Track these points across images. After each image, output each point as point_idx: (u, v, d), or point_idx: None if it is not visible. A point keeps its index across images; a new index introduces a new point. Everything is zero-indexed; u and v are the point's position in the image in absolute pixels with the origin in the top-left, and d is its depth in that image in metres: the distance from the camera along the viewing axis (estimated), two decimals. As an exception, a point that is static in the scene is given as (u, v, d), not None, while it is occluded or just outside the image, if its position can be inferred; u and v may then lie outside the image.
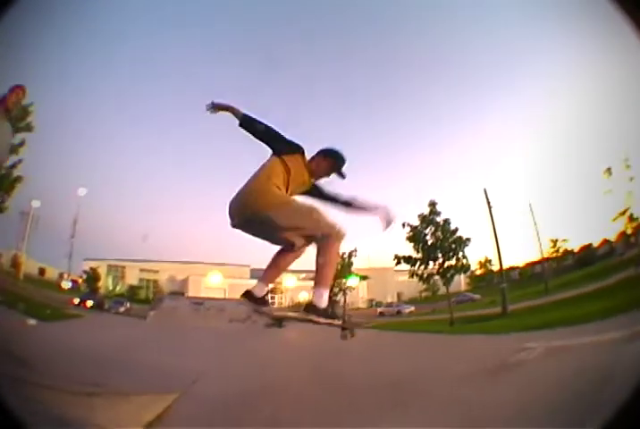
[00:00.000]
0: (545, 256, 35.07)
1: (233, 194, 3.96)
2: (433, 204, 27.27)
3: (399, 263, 26.93)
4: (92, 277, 59.07)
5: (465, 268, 26.59)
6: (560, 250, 35.97)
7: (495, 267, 33.35)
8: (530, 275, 37.62)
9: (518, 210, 32.47)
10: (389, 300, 48.31)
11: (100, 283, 59.95)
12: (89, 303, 35.27)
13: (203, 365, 8.25)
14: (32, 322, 13.61)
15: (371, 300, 50.47)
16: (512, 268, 32.28)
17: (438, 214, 26.94)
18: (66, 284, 55.27)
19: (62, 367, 6.63)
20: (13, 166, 25.60)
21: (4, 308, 14.72)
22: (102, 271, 62.78)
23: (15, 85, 5.38)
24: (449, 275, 26.02)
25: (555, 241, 36.20)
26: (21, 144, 25.65)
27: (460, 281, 39.06)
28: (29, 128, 26.26)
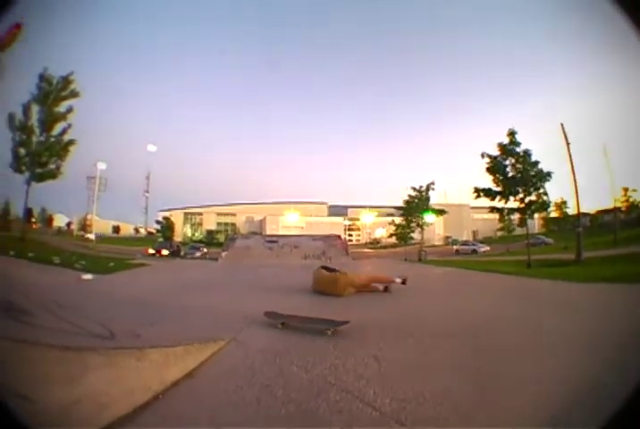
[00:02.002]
0: (617, 205, 33.63)
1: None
2: (512, 133, 25.27)
3: (478, 196, 25.07)
4: (167, 226, 60.69)
5: (546, 205, 24.84)
6: (630, 200, 34.44)
7: (570, 210, 32.89)
8: (600, 224, 36.13)
9: (594, 151, 30.91)
10: (464, 238, 47.00)
11: (175, 231, 61.78)
12: (165, 252, 36.04)
13: (268, 307, 7.46)
14: (88, 276, 13.64)
15: (447, 237, 49.65)
16: (584, 214, 30.70)
17: (518, 144, 25.03)
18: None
19: (103, 314, 6.56)
20: (63, 132, 26.23)
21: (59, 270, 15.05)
22: (178, 219, 64.71)
23: (13, 24, 5.16)
24: (529, 212, 24.60)
25: (626, 190, 34.73)
26: (69, 110, 26.32)
27: (534, 223, 37.55)
28: (73, 94, 26.64)
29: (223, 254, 27.77)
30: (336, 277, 10.73)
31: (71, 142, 26.42)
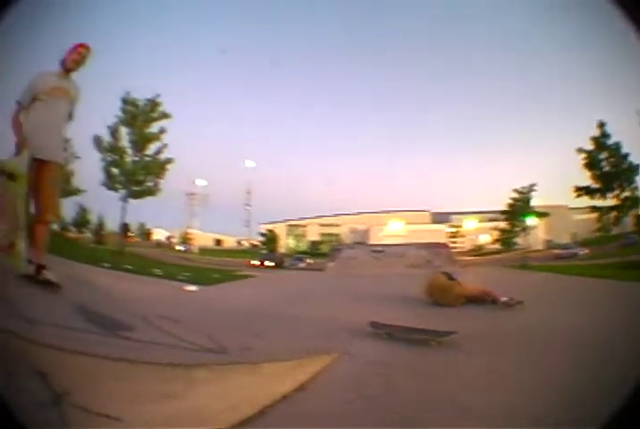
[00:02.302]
0: None
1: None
2: (601, 125, 23.84)
3: (579, 195, 23.94)
4: (270, 238, 61.24)
5: (639, 201, 23.66)
6: None
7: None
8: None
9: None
10: (564, 241, 44.26)
11: (279, 243, 62.17)
12: (268, 263, 35.63)
13: (374, 317, 6.88)
14: (192, 288, 12.79)
15: (548, 241, 46.62)
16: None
17: (608, 136, 23.67)
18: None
19: (211, 327, 6.04)
20: (158, 152, 26.87)
21: (165, 281, 14.36)
22: (281, 231, 65.22)
23: (76, 44, 5.01)
24: (625, 209, 23.77)
25: None
26: (162, 131, 26.92)
27: (628, 222, 35.01)
28: (164, 116, 27.13)
29: (329, 264, 27.73)
30: (451, 286, 10.22)
31: (168, 161, 27.11)
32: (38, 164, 4.56)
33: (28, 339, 2.89)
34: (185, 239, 75.23)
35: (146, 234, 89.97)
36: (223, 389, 3.49)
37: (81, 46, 4.95)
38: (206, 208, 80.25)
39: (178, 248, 60.25)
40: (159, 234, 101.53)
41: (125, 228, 32.97)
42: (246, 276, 19.18)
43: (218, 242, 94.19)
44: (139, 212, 28.35)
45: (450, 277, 10.54)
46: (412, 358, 5.35)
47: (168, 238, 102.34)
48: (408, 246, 30.83)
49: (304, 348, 5.20)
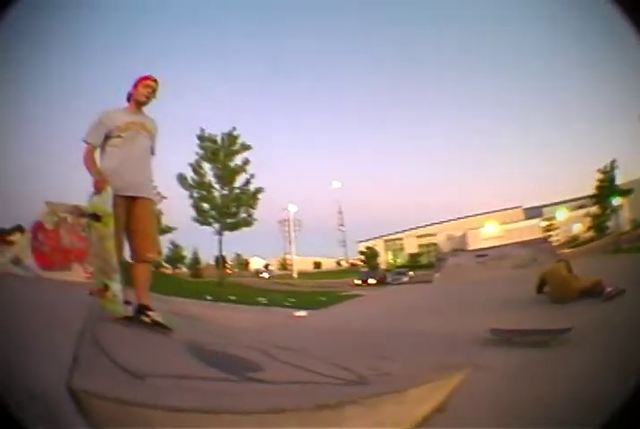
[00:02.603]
0: None
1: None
2: None
3: None
4: (370, 255, 61.27)
5: None
6: None
7: None
8: None
9: None
10: None
11: (379, 259, 62.05)
12: (371, 280, 35.39)
13: (492, 323, 6.54)
14: (302, 313, 12.43)
15: (633, 220, 43.61)
16: None
17: None
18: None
19: (334, 354, 5.38)
20: (247, 183, 27.57)
21: (272, 309, 14.11)
22: (379, 247, 65.19)
23: (142, 76, 4.75)
24: None
25: None
26: (246, 162, 27.75)
27: None
28: (245, 148, 27.96)
29: (436, 275, 27.11)
30: (570, 279, 9.45)
31: (258, 190, 27.68)
32: (130, 202, 4.34)
33: (144, 403, 2.19)
34: (283, 266, 76.72)
35: (243, 264, 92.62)
36: (374, 423, 2.89)
37: (148, 78, 4.70)
38: (301, 233, 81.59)
39: (261, 275, 61.17)
40: (256, 263, 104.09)
41: (222, 260, 33.47)
42: (353, 296, 18.62)
43: (317, 265, 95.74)
44: (233, 243, 28.84)
45: (569, 269, 9.85)
46: (539, 361, 4.91)
47: (265, 266, 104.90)
48: (510, 246, 30.14)
49: (434, 365, 4.68)
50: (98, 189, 4.05)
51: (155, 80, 4.66)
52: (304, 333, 8.33)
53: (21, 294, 6.03)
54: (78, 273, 15.10)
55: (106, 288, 3.88)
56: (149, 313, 4.06)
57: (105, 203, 4.01)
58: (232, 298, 16.58)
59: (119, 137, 4.39)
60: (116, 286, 3.87)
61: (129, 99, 4.68)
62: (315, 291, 23.66)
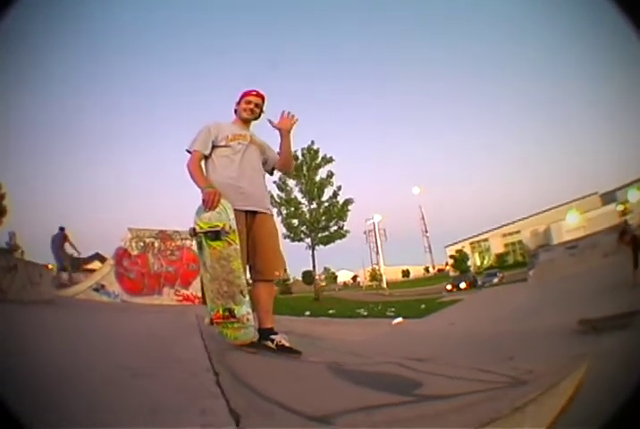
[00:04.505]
0: None
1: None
2: None
3: None
4: (460, 259, 60.52)
5: None
6: None
7: None
8: None
9: None
10: None
11: (469, 262, 61.20)
12: (462, 285, 35.14)
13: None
14: (398, 320, 12.23)
15: None
16: None
17: None
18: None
19: (464, 357, 5.33)
20: (335, 195, 27.79)
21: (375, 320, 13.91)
22: (465, 250, 64.37)
23: (245, 91, 4.55)
24: None
25: None
26: (330, 175, 28.04)
27: None
28: (327, 160, 28.41)
29: (530, 272, 25.87)
30: None
31: (347, 202, 27.85)
32: (250, 217, 4.05)
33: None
34: (373, 277, 76.69)
35: (332, 278, 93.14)
36: (540, 421, 2.54)
37: (249, 94, 4.46)
38: (387, 242, 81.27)
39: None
40: (344, 276, 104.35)
41: (312, 275, 33.68)
42: (452, 301, 18.28)
43: (405, 273, 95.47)
44: (318, 257, 28.69)
45: None
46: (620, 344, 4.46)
47: (354, 278, 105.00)
48: (598, 234, 26.77)
49: (562, 358, 4.28)
50: (213, 202, 3.65)
51: (258, 95, 4.44)
52: (422, 342, 8.07)
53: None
54: (170, 297, 15.51)
55: (231, 313, 3.59)
56: (273, 337, 3.79)
57: (225, 218, 3.64)
58: (332, 311, 16.65)
59: (228, 147, 4.15)
60: (245, 310, 3.59)
61: (235, 112, 4.52)
62: (413, 300, 23.50)
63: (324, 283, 72.84)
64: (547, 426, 2.38)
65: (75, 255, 15.65)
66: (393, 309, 16.49)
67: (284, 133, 4.28)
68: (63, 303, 9.28)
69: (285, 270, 4.39)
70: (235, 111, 4.48)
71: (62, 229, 14.87)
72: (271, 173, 4.61)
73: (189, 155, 4.08)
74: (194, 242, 4.14)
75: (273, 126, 4.27)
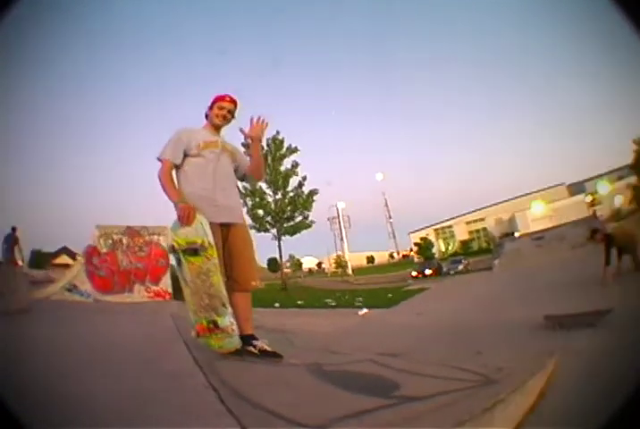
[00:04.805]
0: None
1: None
2: None
3: None
4: (425, 246, 61.35)
5: None
6: None
7: None
8: None
9: None
10: None
11: (434, 250, 61.96)
12: (428, 271, 35.57)
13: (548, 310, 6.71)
14: (364, 311, 12.54)
15: None
16: None
17: None
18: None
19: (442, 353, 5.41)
20: (300, 185, 27.99)
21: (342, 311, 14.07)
22: (430, 237, 65.18)
23: (217, 97, 4.46)
24: None
25: None
26: (295, 165, 28.20)
27: None
28: (292, 151, 28.43)
29: (495, 261, 27.14)
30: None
31: (312, 193, 28.09)
32: (225, 229, 4.04)
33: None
34: (338, 264, 77.09)
35: (297, 265, 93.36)
36: (513, 420, 2.85)
37: (222, 99, 4.39)
38: (350, 228, 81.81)
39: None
40: (309, 262, 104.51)
41: (278, 263, 33.81)
42: (418, 290, 18.32)
43: (370, 259, 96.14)
44: (284, 244, 28.76)
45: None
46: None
47: (318, 264, 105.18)
48: (565, 226, 30.03)
49: (531, 354, 4.66)
50: (188, 218, 3.60)
51: (231, 101, 4.38)
52: (393, 335, 8.10)
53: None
54: (141, 294, 15.47)
55: (215, 325, 3.64)
56: (255, 342, 3.90)
57: (202, 233, 3.61)
58: (300, 302, 16.77)
59: (199, 156, 4.07)
60: (228, 320, 3.65)
61: (206, 117, 4.44)
62: (379, 288, 23.53)
63: (289, 270, 72.91)
64: (516, 426, 2.62)
65: (20, 263, 15.51)
66: (361, 299, 16.66)
67: (255, 141, 4.34)
68: (39, 310, 9.20)
69: (261, 281, 4.35)
70: (206, 116, 4.43)
71: (13, 229, 14.77)
72: (242, 180, 4.63)
73: (159, 164, 4.02)
74: (172, 257, 4.01)
75: (245, 135, 4.33)
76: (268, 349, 3.90)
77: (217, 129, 4.39)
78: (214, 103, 4.34)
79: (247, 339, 3.88)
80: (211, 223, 3.76)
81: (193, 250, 3.59)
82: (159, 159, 4.03)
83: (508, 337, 6.21)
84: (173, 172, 4.05)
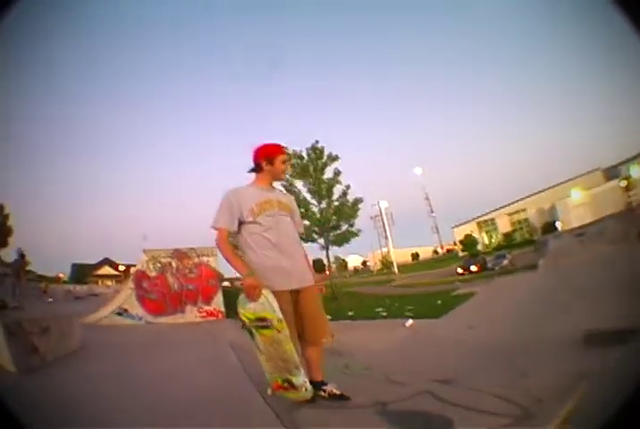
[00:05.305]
0: None
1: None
2: None
3: None
4: (470, 243, 60.62)
5: None
6: None
7: None
8: None
9: None
10: None
11: (479, 246, 61.25)
12: (473, 268, 35.14)
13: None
14: (410, 322, 12.31)
15: None
16: None
17: None
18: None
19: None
20: (344, 194, 27.81)
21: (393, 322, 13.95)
22: (473, 230, 64.52)
23: (276, 149, 4.22)
24: None
25: None
26: (337, 173, 27.95)
27: None
28: (333, 158, 28.15)
29: (540, 261, 26.02)
30: None
31: (357, 201, 27.82)
32: (295, 293, 4.02)
33: None
34: (383, 262, 76.98)
35: (342, 265, 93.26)
36: None
37: (284, 152, 4.24)
38: (394, 226, 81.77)
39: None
40: (354, 261, 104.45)
41: (322, 264, 33.65)
42: (467, 295, 18.12)
43: (415, 256, 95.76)
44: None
45: None
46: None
47: (363, 263, 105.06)
48: (606, 220, 29.62)
49: (564, 375, 4.64)
50: (255, 295, 3.61)
51: (287, 151, 4.36)
52: (445, 355, 7.94)
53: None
54: (193, 314, 15.89)
55: (290, 383, 3.81)
56: (324, 388, 4.15)
57: (269, 309, 3.62)
58: (351, 313, 16.72)
59: (255, 223, 3.95)
60: (302, 379, 3.81)
61: (256, 171, 4.23)
62: (428, 293, 23.37)
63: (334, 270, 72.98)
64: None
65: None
66: (411, 307, 16.54)
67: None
68: (92, 347, 9.33)
69: (333, 335, 4.33)
70: (257, 169, 4.22)
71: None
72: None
73: (215, 232, 3.97)
74: (243, 328, 3.97)
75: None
76: (337, 392, 4.16)
77: (271, 183, 4.27)
78: (273, 156, 4.14)
79: (317, 384, 4.13)
80: (281, 292, 3.81)
81: (263, 326, 3.66)
82: (214, 228, 3.98)
83: (551, 355, 6.15)
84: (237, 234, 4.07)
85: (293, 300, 3.98)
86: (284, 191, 4.81)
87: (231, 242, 4.03)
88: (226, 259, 3.87)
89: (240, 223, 4.00)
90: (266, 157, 4.13)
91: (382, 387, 5.08)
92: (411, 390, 4.74)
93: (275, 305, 3.64)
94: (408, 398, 4.43)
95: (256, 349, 3.86)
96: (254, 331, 3.76)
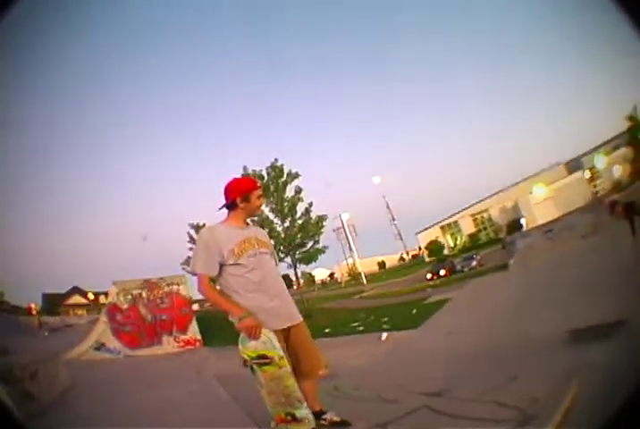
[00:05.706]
0: None
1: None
2: None
3: None
4: (436, 249, 61.12)
5: None
6: None
7: None
8: None
9: None
10: None
11: (445, 251, 61.82)
12: (442, 272, 35.34)
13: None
14: (385, 335, 12.71)
15: None
16: None
17: None
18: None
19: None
20: (307, 212, 27.45)
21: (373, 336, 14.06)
22: (437, 235, 65.14)
23: (251, 185, 4.13)
24: None
25: None
26: (299, 191, 27.64)
27: None
28: (293, 176, 27.79)
29: (511, 261, 26.19)
30: None
31: (321, 218, 27.57)
32: (286, 330, 3.96)
33: None
34: (350, 274, 77.38)
35: (309, 279, 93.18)
36: None
37: (258, 187, 4.16)
38: (357, 237, 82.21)
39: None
40: (321, 274, 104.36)
41: (290, 280, 33.61)
42: (441, 302, 17.91)
43: (381, 264, 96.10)
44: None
45: None
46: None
47: (331, 275, 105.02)
48: (573, 214, 30.17)
49: (557, 376, 4.61)
50: (256, 334, 3.58)
51: (258, 187, 4.14)
52: (429, 365, 7.94)
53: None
54: (171, 345, 15.73)
55: (293, 417, 3.76)
56: (324, 416, 4.14)
57: (271, 347, 3.62)
58: (327, 330, 16.60)
59: (238, 265, 3.80)
60: (305, 412, 3.77)
61: (229, 208, 4.06)
62: (402, 303, 23.31)
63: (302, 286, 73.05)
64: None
65: None
66: (386, 319, 16.54)
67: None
68: (80, 385, 9.27)
69: (327, 366, 4.38)
70: (232, 206, 4.06)
71: None
72: None
73: (195, 278, 3.88)
74: (245, 365, 3.89)
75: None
76: (337, 419, 4.16)
77: (245, 220, 4.14)
78: (248, 192, 4.01)
79: (317, 414, 4.08)
80: (276, 331, 3.76)
81: (265, 363, 3.64)
82: (193, 273, 3.89)
83: (537, 355, 6.05)
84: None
85: (285, 337, 3.93)
86: (258, 228, 4.76)
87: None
88: (216, 304, 3.82)
89: (221, 266, 3.81)
90: (241, 194, 3.97)
91: (376, 407, 5.10)
92: (406, 406, 4.75)
93: (276, 342, 3.62)
94: (406, 415, 4.45)
95: (258, 384, 3.81)
96: (255, 367, 3.71)
